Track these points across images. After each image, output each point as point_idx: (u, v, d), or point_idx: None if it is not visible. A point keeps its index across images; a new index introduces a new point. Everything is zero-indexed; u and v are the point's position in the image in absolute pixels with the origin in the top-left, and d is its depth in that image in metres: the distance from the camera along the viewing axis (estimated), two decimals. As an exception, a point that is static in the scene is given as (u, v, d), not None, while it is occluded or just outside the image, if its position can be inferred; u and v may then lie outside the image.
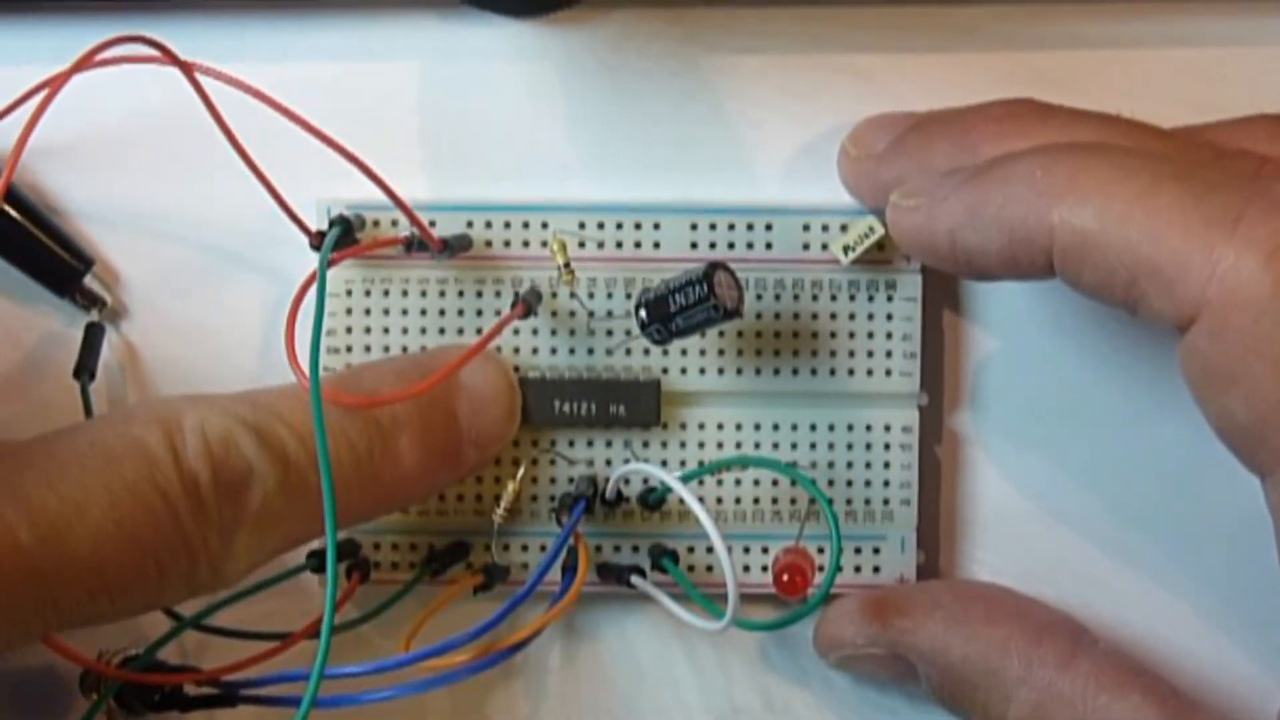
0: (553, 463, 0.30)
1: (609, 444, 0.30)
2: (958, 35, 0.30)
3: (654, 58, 0.30)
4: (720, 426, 0.30)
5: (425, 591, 0.29)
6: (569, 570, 0.29)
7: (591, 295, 0.29)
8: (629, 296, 0.29)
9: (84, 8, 0.30)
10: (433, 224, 0.29)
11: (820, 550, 0.29)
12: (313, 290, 0.25)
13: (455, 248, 0.29)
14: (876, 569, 0.30)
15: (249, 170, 0.27)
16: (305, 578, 0.29)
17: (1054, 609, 0.29)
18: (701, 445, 0.30)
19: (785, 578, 0.28)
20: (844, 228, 0.29)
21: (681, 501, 0.29)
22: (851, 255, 0.29)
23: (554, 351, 0.30)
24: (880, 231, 0.28)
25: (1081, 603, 0.30)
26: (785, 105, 0.30)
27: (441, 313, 0.30)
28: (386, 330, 0.30)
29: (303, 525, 0.26)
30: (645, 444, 0.30)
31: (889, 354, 0.29)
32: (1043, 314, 0.30)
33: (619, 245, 0.29)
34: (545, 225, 0.29)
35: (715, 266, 0.27)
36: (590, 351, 0.30)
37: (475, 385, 0.28)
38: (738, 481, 0.30)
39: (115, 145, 0.30)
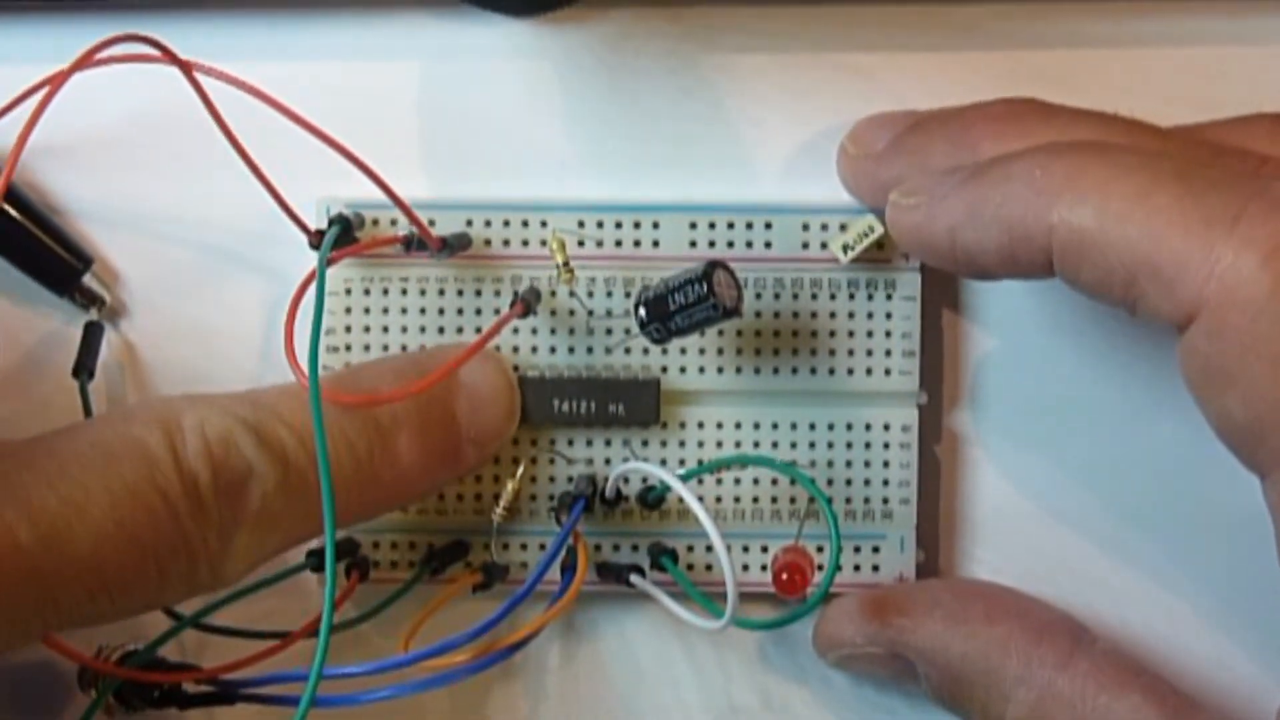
0: (552, 462, 0.30)
1: (608, 443, 0.30)
2: (957, 33, 0.30)
3: (653, 56, 0.30)
4: (720, 425, 0.30)
5: (424, 591, 0.29)
6: (568, 569, 0.29)
7: (591, 294, 0.29)
8: (628, 295, 0.29)
9: (83, 7, 0.30)
10: (432, 223, 0.29)
11: (819, 549, 0.29)
12: (312, 289, 0.25)
13: (454, 246, 0.29)
14: (876, 568, 0.30)
15: (248, 169, 0.27)
16: (304, 577, 0.29)
17: (1054, 608, 0.29)
18: (701, 444, 0.30)
19: (784, 577, 0.28)
20: (843, 226, 0.29)
21: (681, 500, 0.29)
22: (851, 254, 0.29)
23: (553, 350, 0.30)
24: (879, 230, 0.28)
25: (1081, 602, 0.30)
26: (784, 103, 0.30)
27: (441, 312, 0.30)
28: (386, 329, 0.30)
29: (302, 525, 0.26)
30: (644, 443, 0.30)
31: (888, 353, 0.29)
32: (1042, 313, 0.30)
33: (618, 244, 0.29)
34: (544, 224, 0.29)
35: (714, 265, 0.27)
36: (589, 350, 0.30)
37: (474, 384, 0.28)
38: (737, 480, 0.30)
39: (114, 144, 0.30)
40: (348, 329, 0.30)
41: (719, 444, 0.30)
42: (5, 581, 0.22)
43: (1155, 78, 0.30)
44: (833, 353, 0.29)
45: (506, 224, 0.29)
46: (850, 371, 0.29)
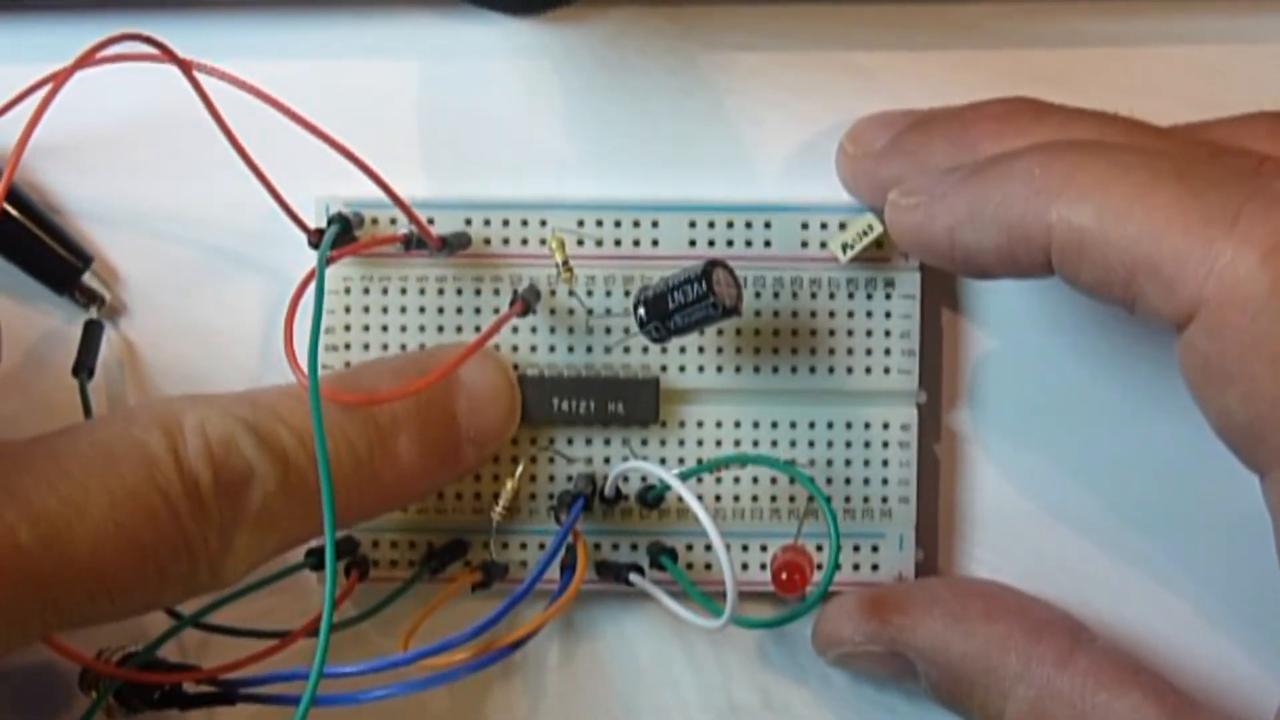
0: (551, 461, 0.30)
1: (608, 442, 0.30)
2: (957, 32, 0.30)
3: (652, 55, 0.30)
4: (719, 424, 0.30)
5: (424, 589, 0.29)
6: (568, 568, 0.29)
7: (590, 293, 0.29)
8: (628, 294, 0.29)
9: (83, 7, 0.30)
10: (431, 222, 0.29)
11: (819, 548, 0.29)
12: (311, 288, 0.25)
13: (454, 245, 0.29)
14: (875, 567, 0.30)
15: (248, 168, 0.27)
16: (304, 576, 0.29)
17: (1053, 606, 0.29)
18: (700, 443, 0.30)
19: (784, 575, 0.28)
20: (842, 225, 0.29)
21: (680, 499, 0.29)
22: (850, 253, 0.29)
23: (553, 349, 0.30)
24: (879, 229, 0.28)
25: (1080, 600, 0.30)
26: (784, 102, 0.30)
27: (440, 310, 0.30)
28: (385, 328, 0.30)
29: (302, 525, 0.26)
30: (644, 442, 0.30)
31: (887, 352, 0.29)
32: (1041, 312, 0.30)
33: (618, 243, 0.29)
34: (544, 223, 0.29)
35: (714, 264, 0.27)
36: (589, 349, 0.30)
37: (474, 383, 0.28)
38: (736, 479, 0.30)
39: (114, 143, 0.30)
40: (347, 328, 0.30)
41: (718, 443, 0.30)
42: (5, 582, 0.22)
43: (1155, 77, 0.30)
44: (832, 352, 0.29)
45: (506, 223, 0.29)
46: (849, 370, 0.29)
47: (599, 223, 0.29)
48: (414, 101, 0.30)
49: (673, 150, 0.30)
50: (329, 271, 0.29)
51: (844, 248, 0.29)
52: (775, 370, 0.29)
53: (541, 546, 0.30)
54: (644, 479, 0.30)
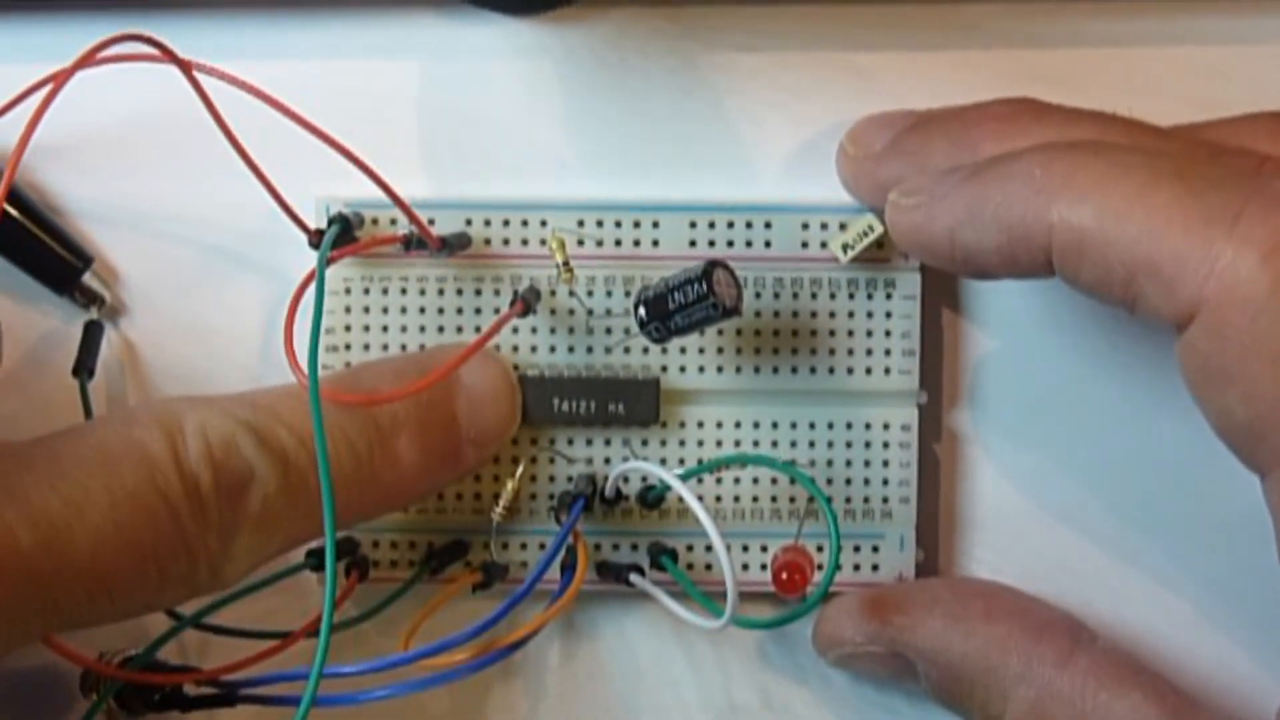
0: (552, 461, 0.30)
1: (608, 442, 0.30)
2: (957, 33, 0.30)
3: (653, 55, 0.30)
4: (719, 425, 0.30)
5: (424, 590, 0.29)
6: (568, 569, 0.29)
7: (590, 293, 0.29)
8: (628, 295, 0.29)
9: (82, 7, 0.30)
10: (432, 222, 0.29)
11: (819, 548, 0.29)
12: (312, 288, 0.25)
13: (454, 246, 0.29)
14: (875, 567, 0.30)
15: (248, 168, 0.27)
16: (304, 576, 0.29)
17: (1053, 606, 0.29)
18: (701, 443, 0.30)
19: (784, 576, 0.28)
20: (843, 226, 0.29)
21: (680, 500, 0.29)
22: (850, 253, 0.29)
23: (553, 350, 0.30)
24: (879, 230, 0.28)
25: (1080, 600, 0.30)
26: (784, 103, 0.30)
27: (440, 311, 0.30)
28: (385, 328, 0.30)
29: (303, 526, 0.26)
30: (644, 442, 0.30)
31: (888, 352, 0.29)
32: (1042, 312, 0.30)
33: (618, 243, 0.29)
34: (544, 223, 0.29)
35: (714, 264, 0.27)
36: (589, 350, 0.30)
37: (474, 384, 0.28)
38: (737, 480, 0.30)
39: (114, 143, 0.30)
40: (347, 328, 0.30)
41: (719, 443, 0.30)
42: (5, 583, 0.22)
43: (1155, 77, 0.30)
44: (832, 352, 0.29)
45: (506, 223, 0.29)
46: (850, 371, 0.29)
47: (599, 223, 0.29)
48: (414, 101, 0.30)
49: (673, 150, 0.30)
50: (329, 272, 0.29)
51: (844, 248, 0.29)
52: (775, 370, 0.29)
53: (542, 547, 0.30)
54: (644, 479, 0.30)
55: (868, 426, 0.29)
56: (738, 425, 0.30)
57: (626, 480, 0.30)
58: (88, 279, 0.30)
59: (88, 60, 0.25)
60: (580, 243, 0.29)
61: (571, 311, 0.29)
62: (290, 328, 0.25)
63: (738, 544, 0.30)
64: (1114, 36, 0.30)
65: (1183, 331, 0.23)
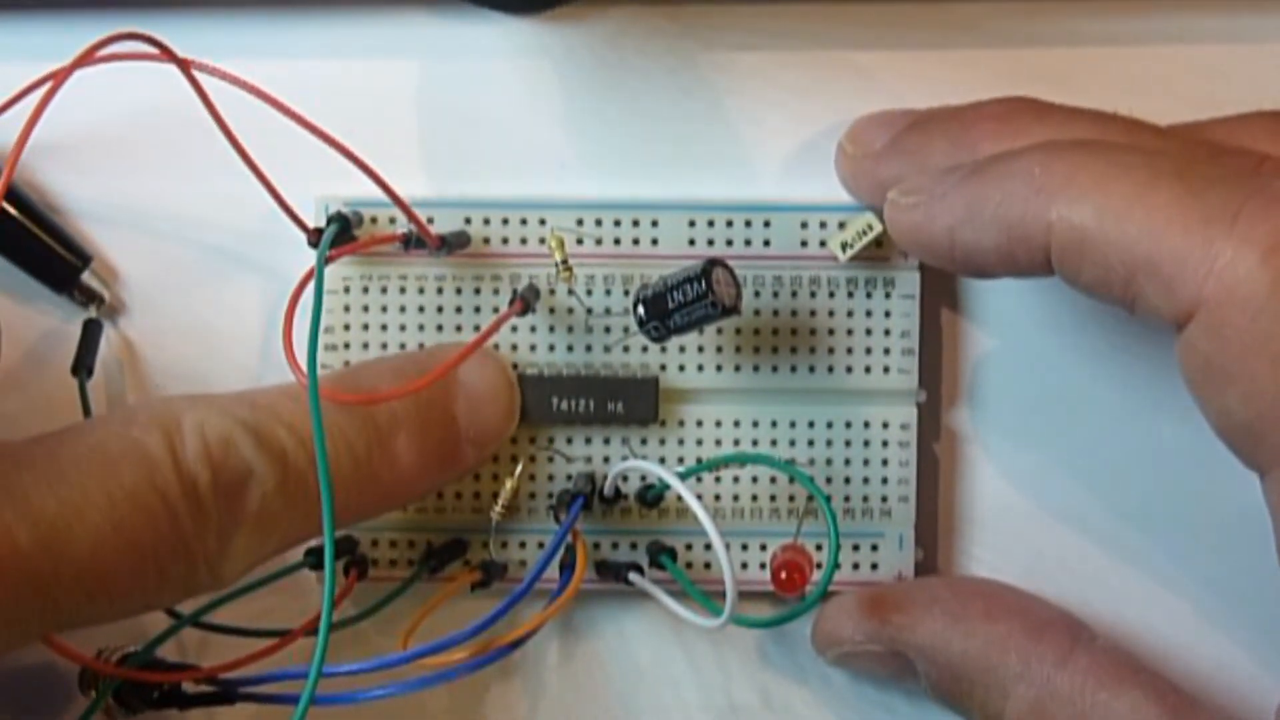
0: (551, 460, 0.30)
1: (607, 441, 0.30)
2: (956, 32, 0.30)
3: (652, 54, 0.30)
4: (718, 423, 0.30)
5: (423, 589, 0.29)
6: (567, 567, 0.29)
7: (590, 292, 0.29)
8: (627, 293, 0.29)
9: (82, 7, 0.30)
10: (431, 221, 0.29)
11: (818, 547, 0.29)
12: (311, 287, 0.25)
13: (453, 245, 0.29)
14: (875, 566, 0.30)
15: (247, 167, 0.27)
16: (304, 575, 0.29)
17: (1053, 605, 0.29)
18: (700, 442, 0.30)
19: (783, 575, 0.28)
20: (842, 225, 0.29)
21: (680, 499, 0.29)
22: (849, 252, 0.29)
23: (552, 348, 0.30)
24: (878, 228, 0.28)
25: (1080, 600, 0.30)
26: (783, 101, 0.30)
27: (440, 310, 0.30)
28: (385, 327, 0.30)
29: (301, 525, 0.26)
30: (643, 441, 0.30)
31: (887, 351, 0.29)
32: (1041, 311, 0.30)
33: (617, 242, 0.29)
34: (543, 222, 0.29)
35: (713, 263, 0.27)
36: (588, 348, 0.30)
37: (473, 383, 0.28)
38: (736, 479, 0.30)
39: (113, 142, 0.30)
40: (346, 327, 0.30)
41: (718, 442, 0.30)
42: (4, 584, 0.22)
43: (1154, 76, 0.30)
44: (831, 351, 0.29)
45: (505, 222, 0.29)
46: (849, 370, 0.29)
47: (598, 222, 0.29)
48: (413, 100, 0.30)
49: (672, 149, 0.30)
50: (328, 271, 0.29)
51: (843, 247, 0.29)
52: (775, 369, 0.29)
53: (541, 546, 0.30)
54: (643, 478, 0.30)
55: (867, 425, 0.29)
56: (737, 424, 0.30)
57: (625, 479, 0.30)
58: (87, 278, 0.30)
59: (86, 59, 0.25)
60: (579, 241, 0.29)
61: (571, 310, 0.29)
62: (289, 326, 0.25)
63: (737, 543, 0.30)
64: (1114, 36, 0.30)
65: (1182, 331, 0.23)
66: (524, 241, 0.29)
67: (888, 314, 0.29)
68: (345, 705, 0.26)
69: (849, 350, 0.29)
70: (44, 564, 0.23)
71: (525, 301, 0.29)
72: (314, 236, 0.28)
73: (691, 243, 0.29)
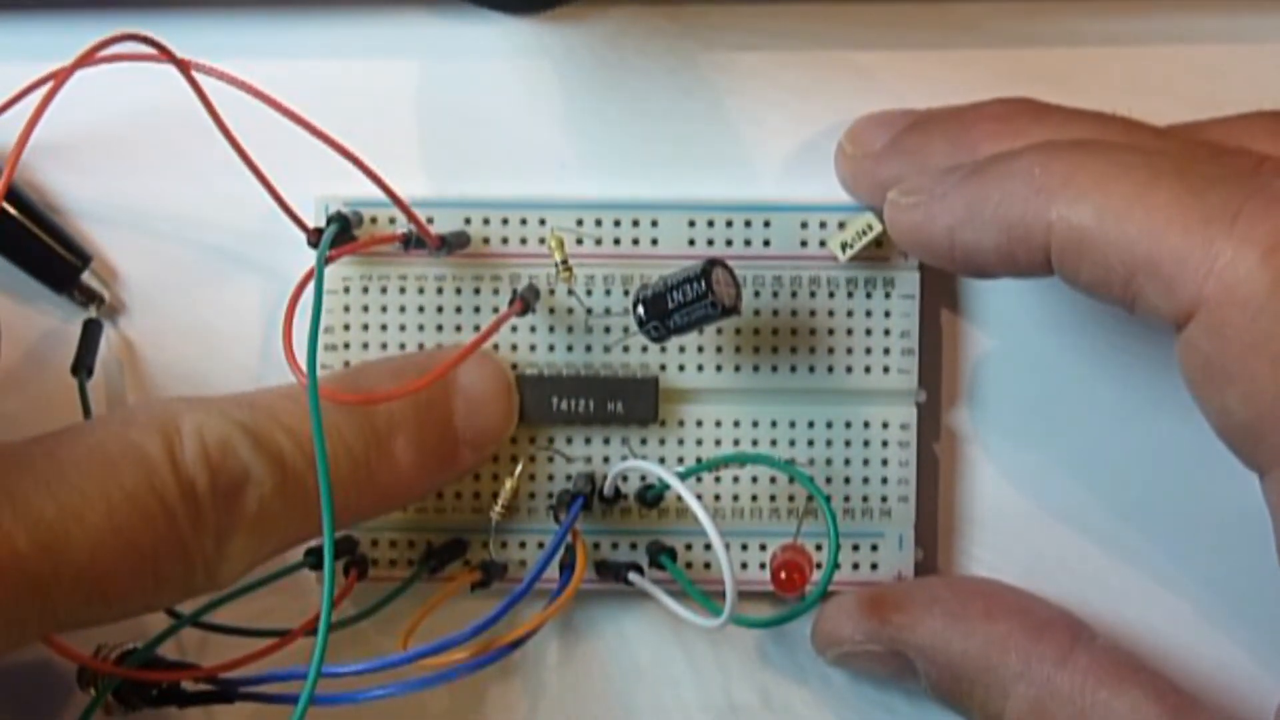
0: (551, 460, 0.30)
1: (607, 441, 0.30)
2: (956, 32, 0.30)
3: (652, 55, 0.30)
4: (718, 423, 0.30)
5: (423, 589, 0.29)
6: (567, 567, 0.29)
7: (589, 292, 0.29)
8: (627, 293, 0.29)
9: (82, 7, 0.30)
10: (431, 221, 0.29)
11: (818, 547, 0.29)
12: (310, 287, 0.25)
13: (453, 245, 0.29)
14: (874, 566, 0.30)
15: (247, 167, 0.27)
16: (304, 575, 0.29)
17: (1053, 605, 0.29)
18: (700, 442, 0.30)
19: (783, 575, 0.28)
20: (842, 225, 0.29)
21: (679, 498, 0.29)
22: (849, 252, 0.29)
23: (552, 348, 0.30)
24: (878, 228, 0.28)
25: (1079, 599, 0.30)
26: (783, 102, 0.30)
27: (439, 310, 0.30)
28: (384, 327, 0.30)
29: (299, 527, 0.26)
30: (643, 441, 0.30)
31: (887, 351, 0.29)
32: (1041, 311, 0.30)
33: (617, 242, 0.29)
34: (543, 222, 0.29)
35: (713, 263, 0.27)
36: (588, 348, 0.30)
37: (471, 385, 0.28)
38: (736, 479, 0.30)
39: (113, 143, 0.30)
40: (346, 327, 0.30)
41: (718, 442, 0.30)
42: (3, 586, 0.22)
43: (1154, 76, 0.30)
44: (831, 351, 0.29)
45: (505, 222, 0.29)
46: (849, 370, 0.29)
47: (598, 222, 0.29)
48: (413, 100, 0.30)
49: (672, 149, 0.30)
50: (328, 271, 0.29)
51: (843, 247, 0.29)
52: (775, 369, 0.29)
53: (541, 546, 0.30)
54: (643, 478, 0.30)
55: (867, 425, 0.29)
56: (737, 424, 0.30)
57: (625, 479, 0.30)
58: (86, 278, 0.30)
59: (87, 59, 0.25)
60: (579, 241, 0.29)
61: (570, 310, 0.29)
62: (289, 326, 0.25)
63: (737, 543, 0.30)
64: (1114, 36, 0.30)
65: (1182, 330, 0.23)
66: (524, 241, 0.29)
67: (888, 314, 0.29)
68: (345, 705, 0.26)
69: (849, 350, 0.29)
70: (43, 566, 0.23)
71: (525, 301, 0.29)
72: (314, 236, 0.28)
73: (691, 243, 0.29)
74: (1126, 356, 0.30)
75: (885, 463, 0.30)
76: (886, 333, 0.29)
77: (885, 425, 0.29)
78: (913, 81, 0.30)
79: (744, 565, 0.30)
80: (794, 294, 0.29)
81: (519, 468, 0.30)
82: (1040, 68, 0.30)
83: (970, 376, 0.30)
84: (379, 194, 0.27)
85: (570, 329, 0.30)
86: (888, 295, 0.29)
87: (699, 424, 0.30)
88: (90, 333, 0.30)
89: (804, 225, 0.29)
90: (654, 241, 0.29)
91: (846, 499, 0.30)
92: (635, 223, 0.29)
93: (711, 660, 0.31)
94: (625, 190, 0.30)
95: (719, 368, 0.30)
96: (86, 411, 0.29)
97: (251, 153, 0.27)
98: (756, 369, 0.29)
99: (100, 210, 0.31)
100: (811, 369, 0.29)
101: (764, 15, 0.30)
